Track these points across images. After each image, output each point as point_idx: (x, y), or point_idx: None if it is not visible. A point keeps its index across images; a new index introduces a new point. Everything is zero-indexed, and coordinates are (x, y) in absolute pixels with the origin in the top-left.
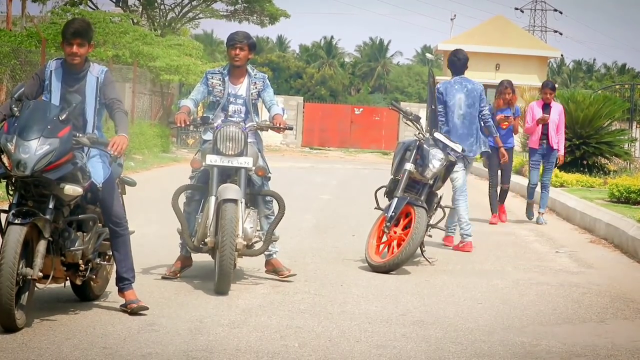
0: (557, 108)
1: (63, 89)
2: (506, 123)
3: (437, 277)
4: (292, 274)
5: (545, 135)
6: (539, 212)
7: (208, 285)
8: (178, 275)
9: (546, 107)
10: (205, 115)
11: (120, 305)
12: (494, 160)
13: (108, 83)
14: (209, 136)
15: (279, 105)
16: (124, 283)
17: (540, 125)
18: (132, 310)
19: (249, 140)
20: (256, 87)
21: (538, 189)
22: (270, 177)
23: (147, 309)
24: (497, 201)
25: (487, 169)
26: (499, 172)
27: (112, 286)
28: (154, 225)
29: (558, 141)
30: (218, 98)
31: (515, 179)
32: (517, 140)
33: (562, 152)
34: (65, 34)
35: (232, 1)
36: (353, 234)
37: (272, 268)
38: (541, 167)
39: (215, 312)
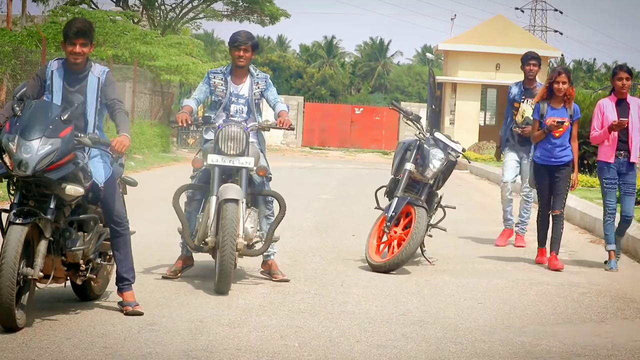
0: (636, 104)
1: (64, 89)
2: (561, 129)
3: (437, 277)
4: (285, 279)
5: (624, 143)
6: (609, 251)
7: (208, 285)
8: (179, 275)
9: (621, 104)
10: (207, 114)
11: (118, 303)
12: (545, 179)
13: (109, 83)
14: (210, 136)
15: (283, 103)
16: (123, 283)
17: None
18: (127, 312)
19: (251, 140)
20: (259, 87)
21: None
22: (271, 178)
23: (141, 314)
24: (545, 231)
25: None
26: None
27: (112, 286)
28: (155, 225)
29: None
30: (220, 98)
31: None
32: None
33: None
34: (68, 33)
35: (233, 1)
36: (353, 233)
37: (268, 269)
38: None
39: (216, 312)
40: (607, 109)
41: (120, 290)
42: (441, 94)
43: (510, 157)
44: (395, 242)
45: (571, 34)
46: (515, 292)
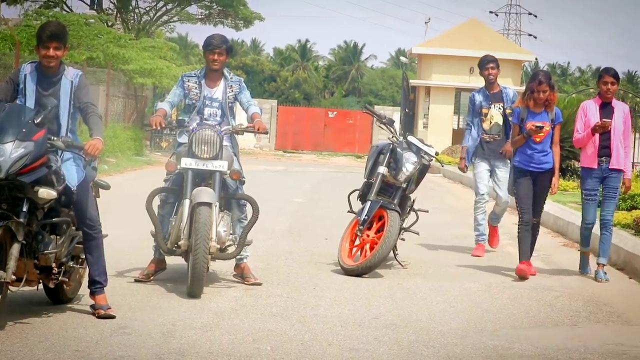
0: (621, 108)
1: (38, 92)
2: (541, 134)
3: (409, 281)
4: (258, 283)
5: (606, 148)
6: (598, 264)
7: (181, 288)
8: (151, 278)
9: (605, 107)
10: (180, 118)
11: (90, 306)
12: (525, 186)
13: (82, 87)
14: (184, 139)
15: (256, 106)
16: (96, 287)
17: (598, 135)
18: (99, 315)
19: (225, 143)
20: (232, 91)
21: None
22: (244, 181)
23: (113, 317)
24: (528, 243)
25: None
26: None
27: (84, 289)
28: (128, 228)
29: (625, 158)
30: (194, 101)
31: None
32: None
33: (629, 174)
34: (42, 36)
35: (207, 5)
36: (326, 237)
37: (241, 272)
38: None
39: (188, 315)
40: (590, 111)
41: (92, 294)
42: (415, 97)
43: (482, 168)
44: (367, 246)
45: (545, 37)
46: (488, 296)
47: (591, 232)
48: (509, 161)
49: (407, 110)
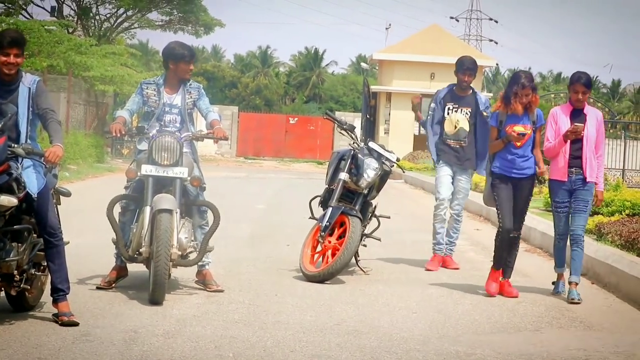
0: (594, 115)
1: None
2: (522, 135)
3: (371, 287)
4: (220, 290)
5: (577, 159)
6: (569, 283)
7: (143, 295)
8: (113, 285)
9: (577, 114)
10: (140, 125)
11: (53, 314)
12: (506, 191)
13: (41, 93)
14: (144, 146)
15: (215, 112)
16: (58, 294)
17: (569, 143)
18: (63, 322)
19: (185, 150)
20: (191, 97)
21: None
22: (205, 187)
23: (77, 324)
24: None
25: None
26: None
27: (46, 296)
28: (89, 235)
29: (597, 169)
30: (153, 108)
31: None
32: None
33: (601, 186)
34: (2, 43)
35: (167, 11)
36: (288, 243)
37: (202, 279)
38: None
39: (150, 322)
40: (560, 118)
41: (55, 301)
42: (376, 103)
43: (444, 172)
44: (329, 252)
45: (506, 42)
46: (450, 302)
47: (566, 246)
48: (471, 172)
49: (368, 116)
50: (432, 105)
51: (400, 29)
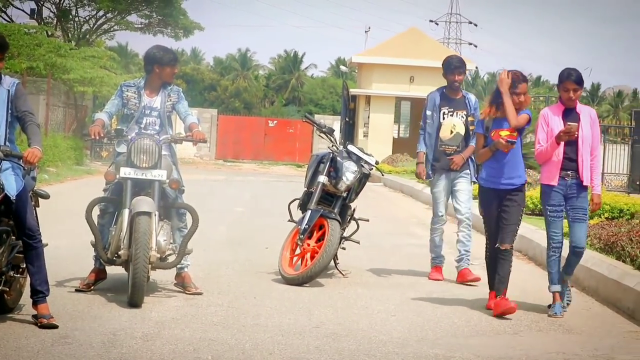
0: (587, 114)
1: None
2: (511, 143)
3: (350, 290)
4: (198, 292)
5: (572, 161)
6: (554, 292)
7: (121, 297)
8: (92, 287)
9: (569, 114)
10: (119, 127)
11: (32, 316)
12: (494, 207)
13: (20, 96)
14: (123, 149)
15: (193, 116)
16: (38, 296)
17: (562, 145)
18: (42, 324)
19: (163, 153)
20: (171, 100)
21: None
22: (184, 190)
23: (56, 327)
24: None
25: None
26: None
27: (25, 299)
28: (68, 237)
29: (592, 172)
30: (132, 111)
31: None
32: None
33: (598, 189)
34: None
35: (147, 14)
36: (266, 246)
37: (182, 282)
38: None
39: (129, 325)
40: (552, 119)
41: (35, 303)
42: (355, 106)
43: (441, 187)
44: (308, 255)
45: (486, 46)
46: (429, 305)
47: (559, 255)
48: (469, 172)
49: (347, 119)
50: (428, 112)
51: (380, 32)
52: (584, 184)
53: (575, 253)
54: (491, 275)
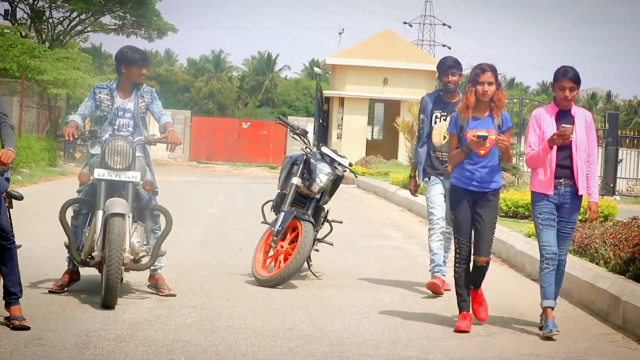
0: (582, 117)
1: None
2: (487, 145)
3: (324, 291)
4: (172, 294)
5: (565, 168)
6: (546, 308)
7: (95, 299)
8: (65, 289)
9: (564, 116)
10: (93, 129)
11: (4, 318)
12: (464, 210)
13: None
14: (96, 150)
15: (168, 115)
16: (11, 298)
17: (555, 150)
18: (14, 326)
19: (137, 154)
20: (144, 101)
21: None
22: (157, 192)
23: (28, 329)
24: (468, 286)
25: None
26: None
27: None
28: (42, 239)
29: (589, 179)
30: (105, 113)
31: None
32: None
33: (595, 197)
34: None
35: (120, 15)
36: (240, 248)
37: (155, 283)
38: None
39: (102, 326)
40: (544, 121)
41: (7, 305)
42: (329, 108)
43: (436, 191)
44: (281, 257)
45: (459, 48)
46: (402, 307)
47: (554, 268)
48: None
49: (320, 121)
50: (421, 116)
51: (354, 34)
52: (580, 192)
53: (557, 264)
54: (462, 293)
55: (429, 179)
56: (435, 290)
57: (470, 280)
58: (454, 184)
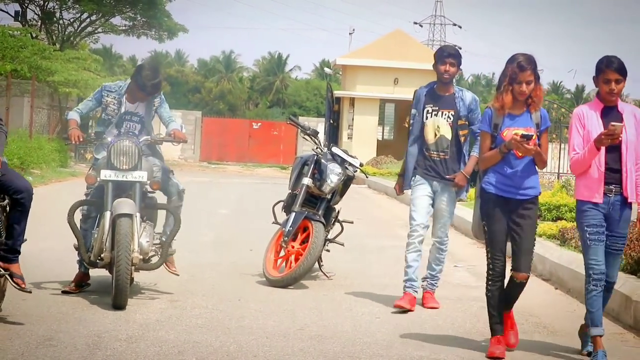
0: (631, 113)
1: None
2: (529, 147)
3: (335, 292)
4: (176, 273)
5: (615, 172)
6: (593, 336)
7: (106, 300)
8: (78, 290)
9: (609, 112)
10: (98, 130)
11: (4, 270)
12: (500, 221)
13: None
14: (101, 155)
15: (176, 122)
16: (15, 255)
17: (603, 151)
18: (20, 287)
19: (154, 164)
20: (155, 105)
21: None
22: (184, 189)
23: (29, 292)
24: (502, 307)
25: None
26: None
27: (7, 300)
28: (52, 240)
29: (638, 185)
30: (110, 117)
31: None
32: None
33: None
34: None
35: (131, 16)
36: (251, 248)
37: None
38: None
39: (113, 327)
40: (589, 120)
41: (10, 261)
42: (339, 108)
43: (421, 192)
44: (292, 257)
45: (470, 48)
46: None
47: (602, 290)
48: (455, 192)
49: (331, 121)
50: (413, 111)
51: (364, 34)
52: (629, 200)
53: (607, 288)
54: (495, 315)
55: (416, 178)
56: (403, 308)
57: (503, 299)
58: (486, 191)
